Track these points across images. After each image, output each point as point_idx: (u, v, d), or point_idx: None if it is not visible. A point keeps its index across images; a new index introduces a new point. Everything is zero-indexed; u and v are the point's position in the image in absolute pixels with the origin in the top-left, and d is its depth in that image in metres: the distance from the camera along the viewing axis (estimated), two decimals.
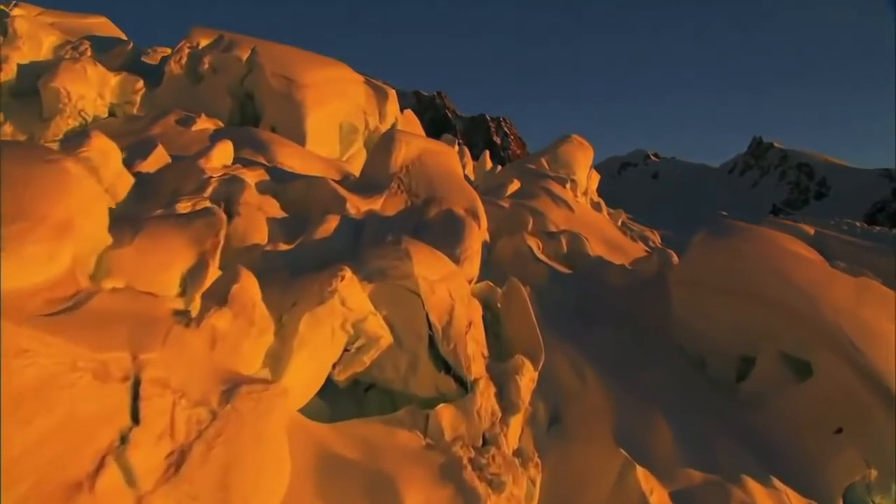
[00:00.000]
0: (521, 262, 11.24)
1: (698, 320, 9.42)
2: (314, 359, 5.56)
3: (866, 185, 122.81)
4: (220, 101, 15.56)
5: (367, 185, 10.05)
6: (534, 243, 11.74)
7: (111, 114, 15.31)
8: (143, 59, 19.39)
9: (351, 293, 5.96)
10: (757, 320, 8.55)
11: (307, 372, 5.48)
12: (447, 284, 6.32)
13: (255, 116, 15.80)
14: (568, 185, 16.22)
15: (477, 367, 6.09)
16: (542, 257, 11.48)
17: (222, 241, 5.64)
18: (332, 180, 9.77)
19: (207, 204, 7.35)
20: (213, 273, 5.31)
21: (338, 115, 15.83)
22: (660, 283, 11.39)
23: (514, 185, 15.37)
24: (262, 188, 9.31)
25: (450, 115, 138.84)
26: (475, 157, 27.35)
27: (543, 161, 17.43)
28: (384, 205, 9.54)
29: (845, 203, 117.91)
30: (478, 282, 8.10)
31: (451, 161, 10.90)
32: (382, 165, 10.13)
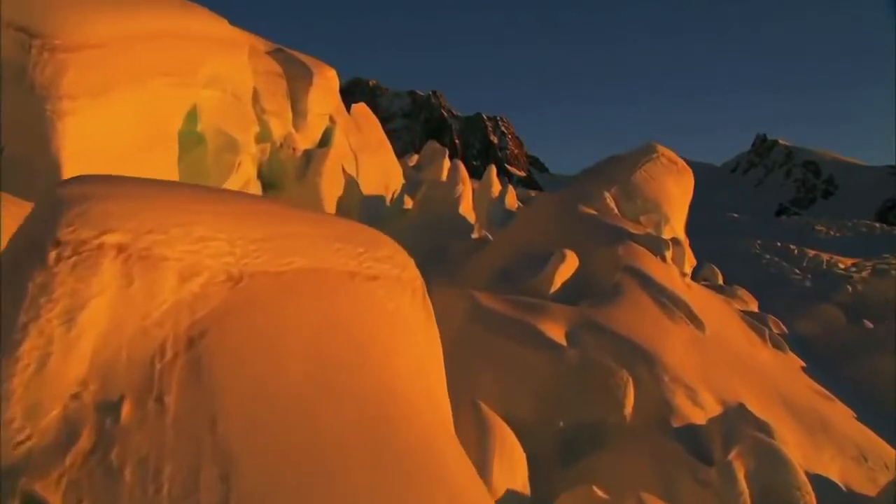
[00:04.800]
0: None
1: None
2: None
3: (875, 182, 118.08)
4: None
5: None
6: None
7: None
8: None
9: None
10: None
11: None
12: None
13: None
14: (669, 253, 7.58)
15: None
16: None
17: None
18: None
19: None
20: None
21: (174, 113, 7.22)
22: None
23: (569, 265, 6.70)
24: None
25: (445, 114, 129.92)
26: (472, 160, 18.52)
27: (608, 196, 8.50)
28: None
29: (854, 201, 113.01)
30: None
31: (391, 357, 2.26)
32: None
